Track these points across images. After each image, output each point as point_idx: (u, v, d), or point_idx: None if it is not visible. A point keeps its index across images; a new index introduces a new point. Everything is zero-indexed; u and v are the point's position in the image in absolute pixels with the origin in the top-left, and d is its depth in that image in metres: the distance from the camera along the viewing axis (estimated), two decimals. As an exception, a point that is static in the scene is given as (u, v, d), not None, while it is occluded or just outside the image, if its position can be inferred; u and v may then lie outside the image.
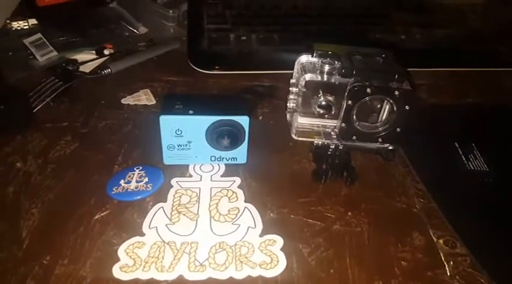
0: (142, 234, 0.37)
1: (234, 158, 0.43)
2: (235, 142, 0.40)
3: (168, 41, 0.68)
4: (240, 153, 0.42)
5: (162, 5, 0.76)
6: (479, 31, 0.72)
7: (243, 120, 0.40)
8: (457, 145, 0.46)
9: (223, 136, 0.40)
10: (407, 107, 0.38)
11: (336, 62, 0.40)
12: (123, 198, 0.40)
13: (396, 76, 0.37)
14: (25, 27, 0.66)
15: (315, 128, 0.44)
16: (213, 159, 0.42)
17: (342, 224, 0.39)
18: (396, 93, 0.37)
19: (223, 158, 0.42)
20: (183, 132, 0.40)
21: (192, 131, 0.40)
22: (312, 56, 0.41)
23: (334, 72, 0.39)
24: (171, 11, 0.74)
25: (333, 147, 0.44)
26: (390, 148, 0.43)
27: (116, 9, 0.74)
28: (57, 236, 0.36)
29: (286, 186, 0.43)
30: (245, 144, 0.41)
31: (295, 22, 0.72)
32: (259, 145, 0.46)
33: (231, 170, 0.44)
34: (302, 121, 0.44)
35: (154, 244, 0.36)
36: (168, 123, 0.39)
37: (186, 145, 0.41)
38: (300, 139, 0.45)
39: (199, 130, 0.40)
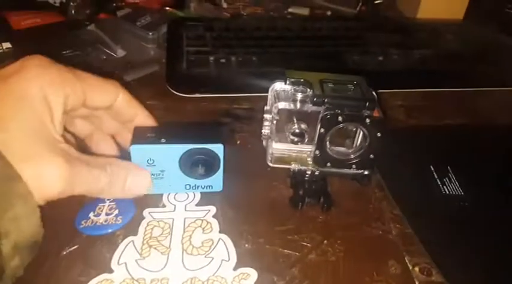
0: (111, 271, 0.36)
1: (209, 186, 0.41)
2: (210, 170, 0.40)
3: (146, 63, 0.67)
4: (216, 181, 0.41)
5: (141, 27, 0.75)
6: (457, 51, 0.74)
7: (217, 148, 0.39)
8: (432, 169, 0.46)
9: (197, 165, 0.39)
10: (379, 134, 0.38)
11: (309, 90, 0.40)
12: (91, 232, 0.38)
13: (367, 104, 0.37)
14: (-1, 52, 0.65)
15: (291, 154, 0.44)
16: (187, 187, 0.41)
17: (318, 254, 0.38)
18: (367, 120, 0.37)
19: (198, 186, 0.41)
20: (156, 161, 0.38)
21: (164, 160, 0.38)
22: (285, 83, 0.41)
23: (306, 100, 0.39)
24: (150, 33, 0.74)
25: (310, 172, 0.44)
26: (365, 173, 0.43)
27: (94, 31, 0.74)
28: (22, 275, 0.35)
29: (263, 213, 0.42)
30: (220, 171, 0.40)
31: (274, 44, 0.72)
32: (236, 171, 0.45)
33: (206, 199, 0.43)
34: (277, 147, 0.44)
35: (123, 281, 0.35)
36: (139, 153, 0.38)
37: (159, 174, 0.39)
38: (276, 166, 0.44)
39: (172, 159, 0.38)
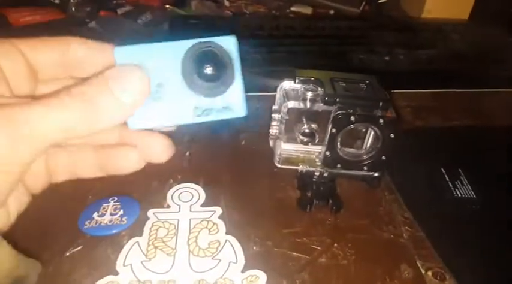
0: (116, 273, 0.34)
1: (227, 108, 0.26)
2: (222, 76, 0.25)
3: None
4: (234, 97, 0.26)
5: (142, 25, 0.74)
6: (463, 52, 0.73)
7: (228, 41, 0.25)
8: (443, 171, 0.46)
9: (202, 66, 0.25)
10: (392, 135, 0.37)
11: (319, 89, 0.39)
12: (96, 232, 0.37)
13: (381, 104, 0.36)
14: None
15: (299, 155, 0.43)
16: (198, 112, 0.26)
17: (328, 257, 0.37)
18: (381, 121, 0.36)
19: (211, 109, 0.26)
20: (150, 71, 0.25)
21: (162, 67, 0.25)
22: (295, 82, 0.40)
23: (317, 99, 0.38)
24: (151, 31, 0.73)
25: (318, 174, 0.43)
26: (375, 175, 0.42)
27: (95, 29, 0.73)
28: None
29: (270, 215, 0.41)
30: (238, 79, 0.26)
31: (278, 43, 0.71)
32: (242, 172, 0.44)
33: (211, 199, 0.42)
34: (285, 147, 0.43)
35: (129, 283, 0.34)
36: (126, 56, 0.24)
37: (155, 92, 0.25)
38: (284, 167, 0.43)
39: (172, 64, 0.25)
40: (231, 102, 0.26)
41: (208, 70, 0.25)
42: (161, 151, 0.27)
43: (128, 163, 0.27)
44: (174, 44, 0.25)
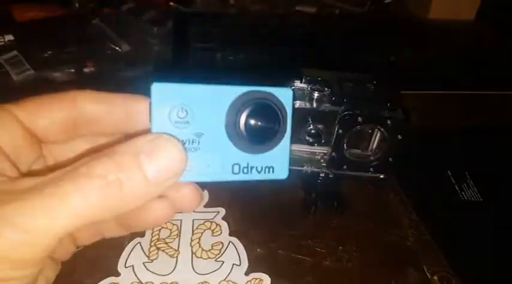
0: (117, 274, 0.34)
1: (269, 168, 0.23)
2: (271, 133, 0.22)
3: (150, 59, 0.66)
4: (278, 158, 0.23)
5: (146, 22, 0.74)
6: (470, 53, 0.72)
7: (285, 94, 0.22)
8: (450, 174, 0.45)
9: (255, 115, 0.22)
10: (399, 136, 0.36)
11: (326, 89, 0.38)
12: (97, 232, 0.37)
13: (388, 105, 0.36)
14: (1, 44, 0.63)
15: (304, 155, 0.42)
16: (235, 170, 0.23)
17: (333, 260, 0.37)
18: (389, 122, 0.36)
19: (252, 168, 0.23)
20: (190, 115, 0.21)
21: (205, 113, 0.22)
22: (301, 82, 0.39)
23: (323, 99, 0.38)
24: (155, 29, 0.72)
25: (323, 175, 0.42)
26: (381, 177, 0.41)
27: (99, 26, 0.72)
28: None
29: (274, 216, 0.41)
30: (287, 139, 0.23)
31: (283, 42, 0.70)
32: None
33: (215, 200, 0.42)
34: (291, 148, 0.42)
35: (130, 285, 0.33)
36: (166, 96, 0.21)
37: (193, 141, 0.22)
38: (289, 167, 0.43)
39: (215, 110, 0.22)
40: (275, 162, 0.23)
41: (259, 126, 0.22)
42: (192, 199, 0.23)
43: (153, 215, 0.22)
44: (223, 89, 0.21)
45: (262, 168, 0.23)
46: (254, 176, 0.23)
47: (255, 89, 0.22)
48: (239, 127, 0.22)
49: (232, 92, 0.21)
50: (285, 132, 0.22)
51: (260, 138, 0.22)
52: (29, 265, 0.17)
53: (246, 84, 0.22)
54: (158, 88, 0.20)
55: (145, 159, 0.18)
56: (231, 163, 0.22)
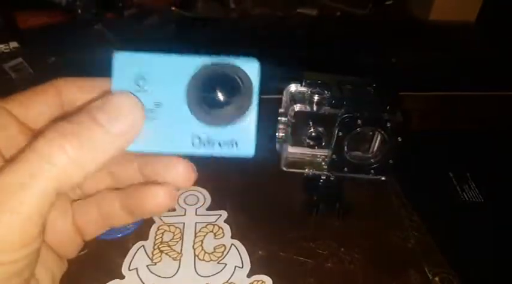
0: (122, 276, 0.34)
1: (233, 143, 0.22)
2: (236, 105, 0.21)
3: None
4: (244, 133, 0.22)
5: (148, 27, 0.74)
6: (471, 54, 0.72)
7: (250, 66, 0.21)
8: (451, 175, 0.45)
9: (215, 85, 0.21)
10: (399, 139, 0.37)
11: (326, 92, 0.38)
12: (101, 236, 0.37)
13: (388, 108, 0.36)
14: (6, 51, 0.64)
15: (305, 158, 0.43)
16: (195, 142, 0.22)
17: (335, 262, 0.37)
18: (388, 124, 0.36)
19: (214, 141, 0.22)
20: (149, 84, 0.21)
21: (165, 83, 0.21)
22: (301, 85, 0.40)
23: (324, 102, 0.38)
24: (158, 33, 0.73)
25: (324, 177, 0.42)
26: (382, 179, 0.41)
27: (101, 31, 0.73)
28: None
29: (276, 219, 0.41)
30: (253, 113, 0.21)
31: (284, 45, 0.71)
32: (248, 176, 0.44)
33: (217, 203, 0.42)
34: (292, 150, 0.42)
35: (134, 288, 0.34)
36: (127, 65, 0.21)
37: (151, 110, 0.21)
38: (290, 170, 0.43)
39: (177, 82, 0.21)
40: (239, 137, 0.22)
41: (218, 95, 0.21)
42: (184, 179, 0.23)
43: (156, 201, 0.22)
44: (184, 59, 0.21)
45: (224, 142, 0.22)
46: (216, 150, 0.21)
47: (219, 61, 0.21)
48: (200, 98, 0.21)
49: (195, 63, 0.21)
50: (250, 105, 0.21)
51: (222, 110, 0.21)
52: (18, 246, 0.17)
53: (210, 55, 0.21)
54: (120, 57, 0.21)
55: (99, 112, 0.19)
56: (191, 135, 0.22)
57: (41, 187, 0.17)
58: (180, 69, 0.21)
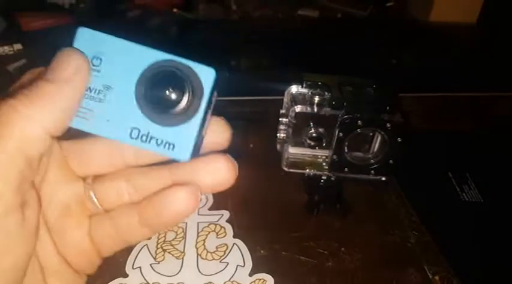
0: (125, 275, 0.35)
1: (170, 144, 0.21)
2: (180, 100, 0.21)
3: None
4: (183, 137, 0.21)
5: (151, 29, 0.75)
6: (471, 55, 0.73)
7: (206, 73, 0.21)
8: (450, 175, 0.46)
9: (164, 83, 0.21)
10: (399, 139, 0.37)
11: (326, 93, 0.39)
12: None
13: (388, 108, 0.37)
14: (10, 53, 0.64)
15: (306, 158, 0.43)
16: (134, 134, 0.22)
17: (335, 261, 0.38)
18: (388, 125, 0.37)
19: (150, 138, 0.21)
20: (104, 65, 0.21)
21: (119, 68, 0.21)
22: (302, 87, 0.40)
23: (324, 104, 0.39)
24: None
25: (325, 178, 0.43)
26: (383, 179, 0.42)
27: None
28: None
29: (278, 219, 0.42)
30: (198, 118, 0.21)
31: (285, 47, 0.71)
32: (250, 176, 0.45)
33: (219, 203, 0.43)
34: (293, 151, 0.43)
35: (138, 286, 0.34)
36: (87, 41, 0.21)
37: (99, 91, 0.21)
38: (291, 170, 0.43)
39: (131, 70, 0.21)
40: (178, 140, 0.21)
41: (165, 93, 0.21)
42: (225, 178, 0.21)
43: (177, 205, 0.20)
44: (143, 49, 0.21)
45: (162, 141, 0.21)
46: (152, 147, 0.21)
47: (177, 60, 0.21)
48: (147, 91, 0.21)
49: (152, 56, 0.21)
50: (196, 112, 0.21)
51: (166, 109, 0.21)
52: None
53: (171, 53, 0.21)
54: (82, 33, 0.20)
55: (46, 70, 0.18)
56: (131, 126, 0.21)
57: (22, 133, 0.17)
58: (136, 58, 0.21)
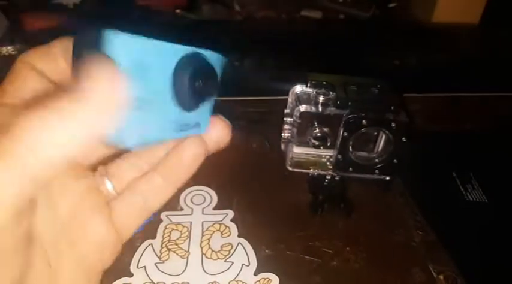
0: (130, 274, 0.35)
1: (197, 124, 0.23)
2: (207, 90, 0.22)
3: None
4: (205, 115, 0.23)
5: (154, 30, 0.75)
6: (475, 55, 0.73)
7: (216, 58, 0.22)
8: (455, 175, 0.46)
9: (201, 75, 0.21)
10: (404, 139, 0.37)
11: (331, 93, 0.39)
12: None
13: (392, 108, 0.37)
14: (13, 53, 0.65)
15: (311, 158, 0.43)
16: (175, 127, 0.22)
17: (340, 261, 0.38)
18: (393, 124, 0.37)
19: (186, 125, 0.22)
20: (149, 72, 0.19)
21: (159, 70, 0.20)
22: (307, 86, 0.40)
23: (329, 103, 0.39)
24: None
25: (329, 177, 0.43)
26: (387, 178, 0.42)
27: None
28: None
29: (282, 218, 0.42)
30: (212, 100, 0.23)
31: (288, 47, 0.71)
32: (254, 176, 0.45)
33: (224, 202, 0.43)
34: (297, 151, 0.43)
35: (143, 285, 0.34)
36: (126, 49, 0.18)
37: (146, 100, 0.20)
38: (295, 170, 0.43)
39: (163, 67, 0.20)
40: (201, 118, 0.23)
41: (200, 82, 0.21)
42: (225, 133, 0.23)
43: (193, 146, 0.22)
44: (170, 47, 0.20)
45: (193, 125, 0.22)
46: (188, 133, 0.22)
47: (197, 51, 0.21)
48: (185, 86, 0.21)
49: (180, 51, 0.20)
50: (213, 91, 0.22)
51: (199, 97, 0.21)
52: None
53: (185, 44, 0.21)
54: (114, 40, 0.17)
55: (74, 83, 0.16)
56: (172, 120, 0.21)
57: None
58: (170, 55, 0.20)
